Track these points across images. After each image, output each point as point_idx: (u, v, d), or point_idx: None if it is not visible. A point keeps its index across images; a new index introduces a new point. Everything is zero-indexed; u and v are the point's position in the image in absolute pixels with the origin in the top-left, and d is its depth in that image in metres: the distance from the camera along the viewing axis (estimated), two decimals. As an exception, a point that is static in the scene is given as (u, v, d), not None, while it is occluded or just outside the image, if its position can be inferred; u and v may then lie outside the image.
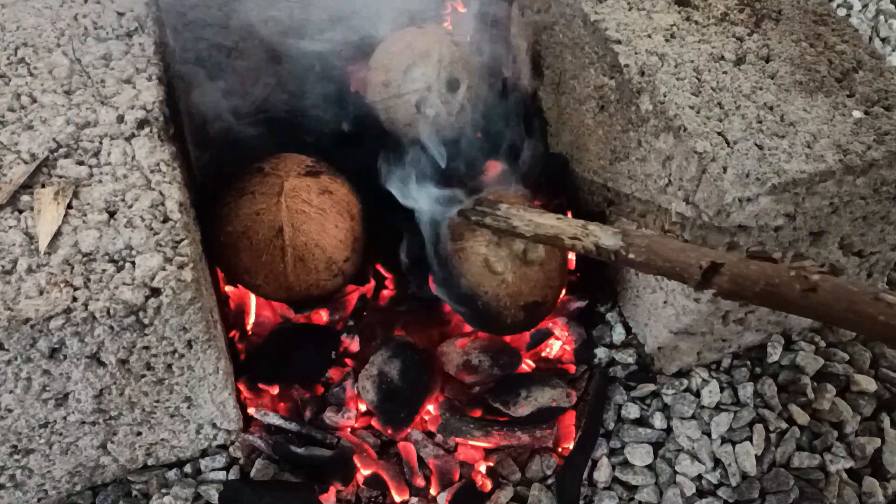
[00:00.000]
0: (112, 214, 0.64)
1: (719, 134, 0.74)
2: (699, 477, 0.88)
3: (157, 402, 0.73)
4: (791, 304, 0.53)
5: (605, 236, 0.69)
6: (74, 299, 0.59)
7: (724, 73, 0.81)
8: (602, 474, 0.87)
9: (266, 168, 0.88)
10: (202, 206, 0.85)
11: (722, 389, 0.92)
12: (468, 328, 0.95)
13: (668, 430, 0.90)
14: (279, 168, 0.88)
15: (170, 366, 0.69)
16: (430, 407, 0.91)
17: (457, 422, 0.88)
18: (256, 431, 0.85)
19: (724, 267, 0.58)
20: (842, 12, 1.57)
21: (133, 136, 0.70)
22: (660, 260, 0.63)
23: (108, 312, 0.59)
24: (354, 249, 0.90)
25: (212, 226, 0.86)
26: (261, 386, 0.88)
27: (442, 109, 1.02)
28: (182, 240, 0.63)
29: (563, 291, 0.98)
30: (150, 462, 0.83)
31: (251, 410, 0.86)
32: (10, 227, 0.62)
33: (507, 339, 0.96)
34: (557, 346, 0.97)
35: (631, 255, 0.66)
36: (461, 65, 1.02)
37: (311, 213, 0.85)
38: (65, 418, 0.70)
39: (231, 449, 0.85)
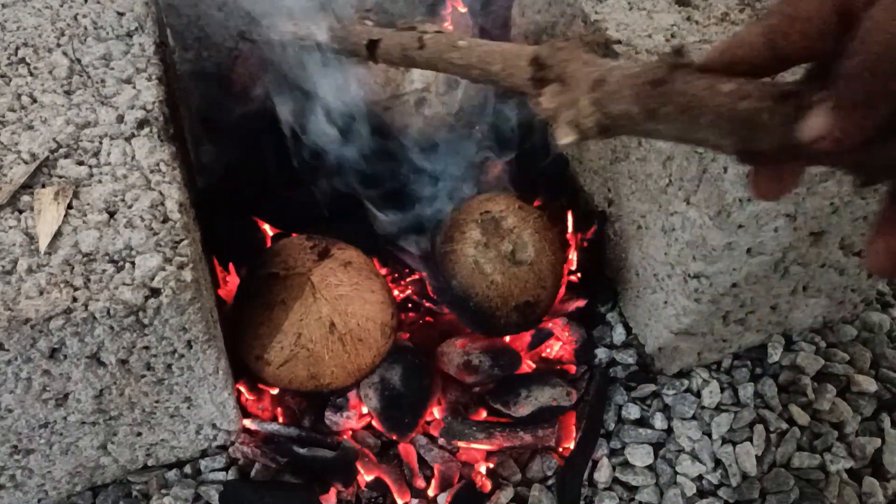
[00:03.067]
0: (112, 215, 0.64)
1: (720, 134, 0.74)
2: (700, 477, 0.88)
3: (157, 402, 0.73)
4: (415, 61, 0.66)
5: (320, 33, 0.83)
6: (74, 299, 0.59)
7: (725, 73, 0.81)
8: (602, 475, 0.87)
9: (278, 271, 0.84)
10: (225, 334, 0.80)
11: (722, 390, 0.92)
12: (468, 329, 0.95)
13: (669, 430, 0.90)
14: (289, 264, 0.85)
15: (170, 366, 0.69)
16: (433, 410, 0.91)
17: (459, 425, 0.87)
18: (246, 443, 0.84)
19: (380, 41, 0.71)
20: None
21: (133, 136, 0.70)
22: (347, 44, 0.78)
23: (108, 312, 0.59)
24: (392, 301, 0.89)
25: (250, 354, 0.83)
26: (260, 386, 0.89)
27: (441, 110, 1.02)
28: (182, 240, 0.63)
29: (562, 291, 0.98)
30: (150, 462, 0.83)
31: (246, 421, 0.86)
32: (11, 228, 0.62)
33: (508, 339, 0.96)
34: (558, 346, 0.97)
35: (334, 45, 0.81)
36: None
37: (348, 291, 0.83)
38: (65, 418, 0.70)
39: (231, 450, 0.85)
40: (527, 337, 0.96)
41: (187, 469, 0.84)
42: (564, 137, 0.42)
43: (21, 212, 0.64)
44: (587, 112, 0.40)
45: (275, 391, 0.89)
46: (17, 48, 0.76)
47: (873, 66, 0.27)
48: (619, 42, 0.85)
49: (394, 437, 0.88)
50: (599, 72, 0.40)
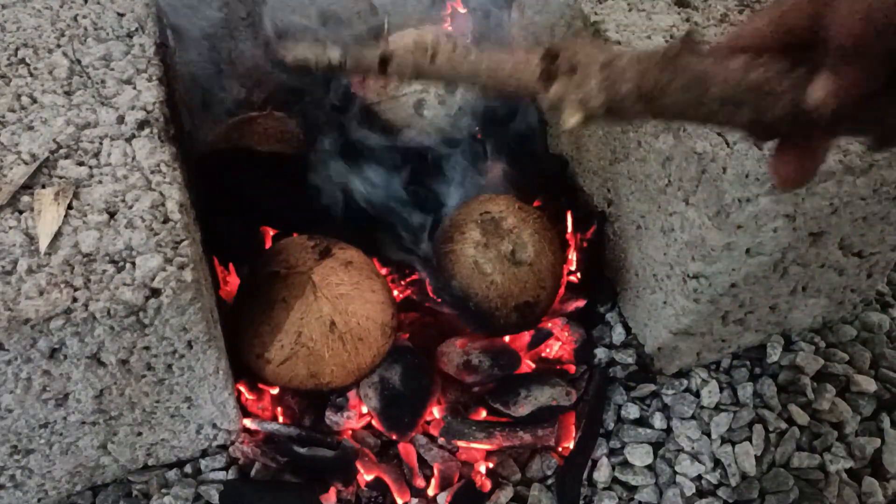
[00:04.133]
0: (112, 215, 0.64)
1: (719, 134, 0.74)
2: (699, 477, 0.88)
3: (158, 402, 0.73)
4: (427, 73, 0.63)
5: (333, 53, 0.77)
6: (74, 300, 0.59)
7: (724, 73, 0.81)
8: (602, 474, 0.87)
9: (279, 270, 0.84)
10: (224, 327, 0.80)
11: (721, 390, 0.92)
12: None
13: (668, 430, 0.90)
14: (291, 263, 0.85)
15: (170, 366, 0.69)
16: (433, 409, 0.91)
17: (459, 424, 0.88)
18: (247, 442, 0.84)
19: (392, 56, 0.69)
20: (842, 13, 1.57)
21: (133, 136, 0.70)
22: (359, 62, 0.73)
23: (109, 313, 0.59)
24: (393, 301, 0.89)
25: (251, 352, 0.83)
26: (260, 386, 0.89)
27: (440, 111, 1.02)
28: (182, 240, 0.64)
29: (562, 291, 0.98)
30: (150, 462, 0.83)
31: (246, 421, 0.86)
32: (11, 228, 0.62)
33: (508, 339, 0.96)
34: (557, 346, 0.97)
35: (348, 64, 0.74)
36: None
37: (349, 291, 0.83)
38: (65, 418, 0.70)
39: (231, 449, 0.85)
40: (526, 337, 0.96)
41: (187, 469, 0.84)
42: (570, 118, 0.43)
43: (21, 212, 0.64)
44: (595, 91, 0.41)
45: (275, 391, 0.89)
46: (17, 49, 0.77)
47: (852, 31, 0.33)
48: (619, 43, 0.85)
49: (393, 437, 0.88)
50: (609, 54, 0.42)
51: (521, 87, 0.53)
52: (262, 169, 0.97)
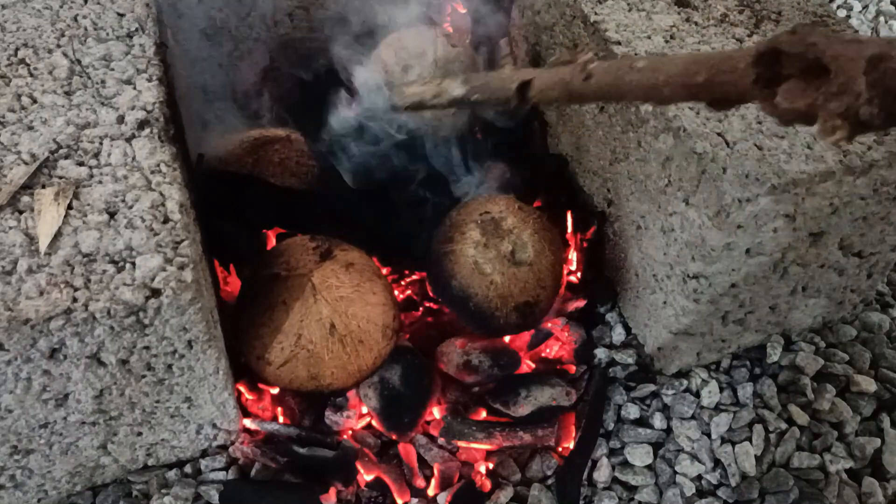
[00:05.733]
0: (112, 215, 0.64)
1: (719, 135, 0.74)
2: (699, 477, 0.88)
3: (158, 402, 0.73)
4: (582, 94, 0.62)
5: (454, 88, 0.78)
6: (75, 300, 0.59)
7: (724, 73, 0.81)
8: (602, 474, 0.87)
9: (279, 271, 0.84)
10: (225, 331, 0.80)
11: (721, 390, 0.92)
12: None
13: (668, 430, 0.90)
14: (291, 265, 0.84)
15: (170, 366, 0.69)
16: (433, 409, 0.91)
17: (459, 425, 0.88)
18: (247, 442, 0.84)
19: (532, 81, 0.66)
20: (842, 13, 1.57)
21: (133, 136, 0.70)
22: (490, 92, 0.73)
23: (109, 313, 0.59)
24: (394, 303, 0.89)
25: (251, 354, 0.83)
26: (260, 385, 0.89)
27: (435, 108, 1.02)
28: (182, 241, 0.64)
29: (562, 291, 0.98)
30: (150, 462, 0.83)
31: (246, 421, 0.86)
32: (11, 228, 0.62)
33: (508, 339, 0.96)
34: (557, 346, 0.97)
35: (475, 97, 0.76)
36: (457, 65, 1.03)
37: (350, 293, 0.83)
38: (65, 418, 0.70)
39: (231, 449, 0.85)
40: (526, 337, 0.96)
41: (187, 469, 0.84)
42: (834, 134, 0.35)
43: (21, 212, 0.64)
44: (865, 97, 0.33)
45: (275, 391, 0.89)
46: (17, 49, 0.77)
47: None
48: (619, 43, 0.85)
49: (393, 437, 0.88)
50: (876, 46, 0.33)
51: (727, 94, 0.45)
52: (272, 199, 0.97)
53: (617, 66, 0.58)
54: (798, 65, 0.38)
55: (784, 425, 0.90)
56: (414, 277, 1.01)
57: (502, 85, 0.70)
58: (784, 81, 0.38)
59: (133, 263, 0.61)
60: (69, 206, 0.64)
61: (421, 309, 0.99)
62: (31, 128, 0.70)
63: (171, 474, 0.83)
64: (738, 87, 0.43)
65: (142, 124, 0.71)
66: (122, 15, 0.82)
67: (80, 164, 0.68)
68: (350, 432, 0.88)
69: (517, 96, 0.68)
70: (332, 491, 0.83)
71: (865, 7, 1.58)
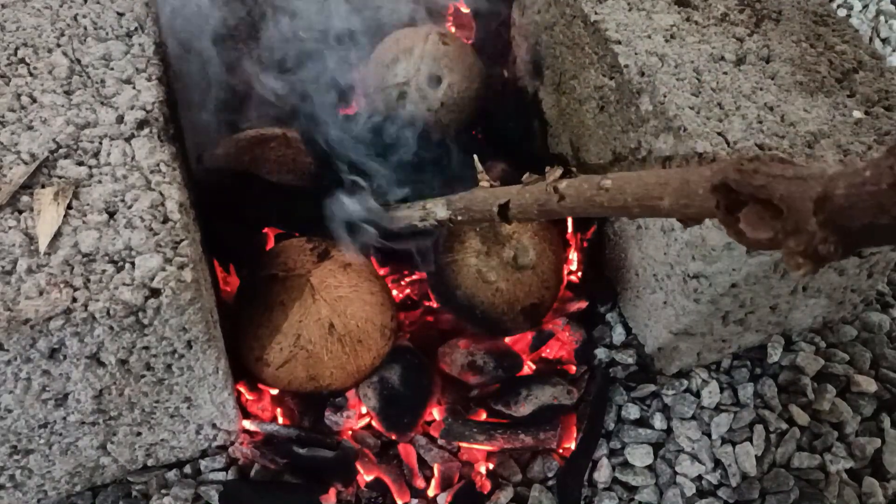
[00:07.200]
0: (112, 215, 0.64)
1: (719, 134, 0.74)
2: (699, 477, 0.88)
3: (157, 402, 0.73)
4: (560, 213, 0.64)
5: (438, 210, 0.81)
6: (74, 300, 0.59)
7: (725, 73, 0.81)
8: (602, 475, 0.87)
9: (277, 272, 0.84)
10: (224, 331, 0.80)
11: (722, 390, 0.92)
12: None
13: (669, 430, 0.90)
14: (289, 265, 0.84)
15: (169, 366, 0.69)
16: (433, 410, 0.91)
17: (459, 426, 0.87)
18: (246, 443, 0.84)
19: (510, 202, 0.70)
20: (842, 13, 1.57)
21: (133, 136, 0.70)
22: (473, 213, 0.77)
23: (108, 313, 0.59)
24: (392, 303, 0.89)
25: (250, 355, 0.83)
26: (260, 386, 0.89)
27: (420, 104, 1.03)
28: (182, 240, 0.63)
29: (563, 288, 0.98)
30: (149, 462, 0.83)
31: (246, 422, 0.86)
32: (10, 228, 0.62)
33: (509, 341, 0.96)
34: (557, 346, 0.97)
35: (459, 218, 0.80)
36: (446, 62, 1.03)
37: (348, 293, 0.83)
38: (64, 418, 0.70)
39: (231, 450, 0.85)
40: (528, 338, 0.96)
41: (187, 469, 0.84)
42: (800, 269, 0.36)
43: (21, 212, 0.64)
44: (821, 236, 0.33)
45: (275, 391, 0.89)
46: (17, 48, 0.76)
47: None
48: (619, 42, 0.85)
49: (393, 437, 0.88)
50: (820, 185, 0.34)
51: (690, 216, 0.46)
52: (270, 196, 0.97)
53: (586, 186, 0.61)
54: (753, 192, 0.39)
55: (784, 425, 0.90)
56: (414, 277, 1.01)
57: (483, 206, 0.75)
58: (744, 205, 0.40)
59: (132, 263, 0.61)
60: (69, 206, 0.64)
61: (421, 309, 0.99)
62: (30, 127, 0.70)
63: (171, 475, 0.83)
64: (703, 212, 0.45)
65: (141, 124, 0.71)
66: (121, 14, 0.82)
67: (80, 163, 0.68)
68: (350, 433, 0.88)
69: (499, 216, 0.73)
70: (332, 491, 0.83)
71: (865, 6, 1.58)
